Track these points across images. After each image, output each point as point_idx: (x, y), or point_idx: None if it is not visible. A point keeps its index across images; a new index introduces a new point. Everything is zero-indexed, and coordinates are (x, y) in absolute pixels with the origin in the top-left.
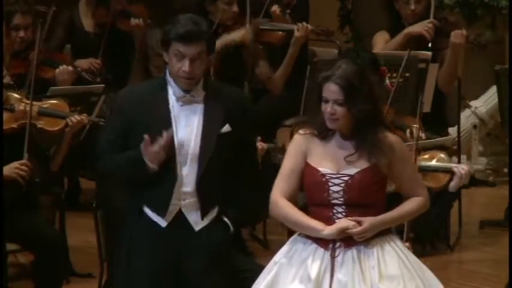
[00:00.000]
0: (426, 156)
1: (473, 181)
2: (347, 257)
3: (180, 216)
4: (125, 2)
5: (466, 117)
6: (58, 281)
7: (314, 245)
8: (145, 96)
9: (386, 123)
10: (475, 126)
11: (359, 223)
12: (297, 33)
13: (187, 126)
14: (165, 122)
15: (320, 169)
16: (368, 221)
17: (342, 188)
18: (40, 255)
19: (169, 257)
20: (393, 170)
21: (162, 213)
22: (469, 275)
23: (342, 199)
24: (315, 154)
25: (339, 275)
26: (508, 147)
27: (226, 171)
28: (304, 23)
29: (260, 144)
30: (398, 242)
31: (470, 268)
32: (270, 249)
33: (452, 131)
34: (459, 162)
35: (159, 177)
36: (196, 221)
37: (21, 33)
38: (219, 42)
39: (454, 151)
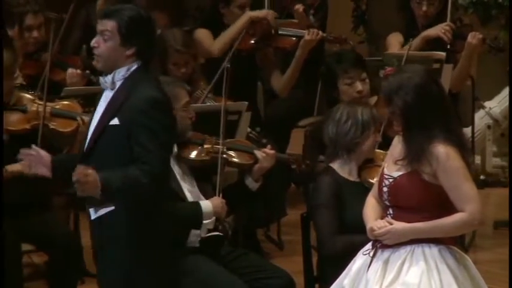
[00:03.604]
0: None
1: (487, 182)
2: (382, 257)
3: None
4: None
5: (480, 118)
6: (72, 281)
7: (371, 242)
8: None
9: (447, 136)
10: (489, 127)
11: None
12: (306, 37)
13: (99, 113)
14: (95, 106)
15: (385, 169)
16: (394, 225)
17: (387, 190)
18: (54, 255)
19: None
20: (439, 181)
21: None
22: (483, 275)
23: (387, 201)
24: (391, 154)
25: (368, 273)
26: (508, 147)
27: (118, 166)
28: (315, 30)
29: (269, 151)
30: (437, 254)
31: (484, 268)
32: (284, 250)
33: (467, 131)
34: (473, 162)
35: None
36: (91, 210)
37: (35, 34)
38: (244, 15)
39: None
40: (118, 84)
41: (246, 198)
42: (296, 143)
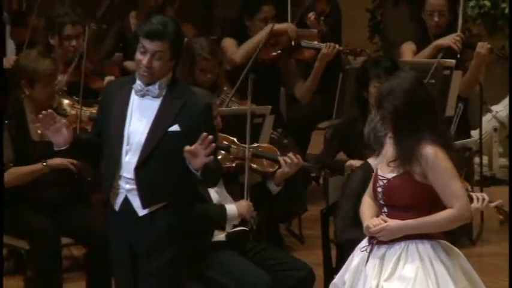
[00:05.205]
0: None
1: (494, 180)
2: (378, 253)
3: (127, 201)
4: None
5: (488, 121)
6: (108, 272)
7: (367, 238)
8: (117, 89)
9: (434, 138)
10: (495, 129)
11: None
12: (324, 50)
13: (140, 119)
14: (123, 113)
15: (378, 170)
16: (388, 222)
17: (382, 190)
18: (92, 248)
19: (122, 239)
20: (429, 180)
21: (107, 195)
22: (490, 268)
23: (382, 200)
24: (385, 155)
25: (366, 269)
26: (508, 147)
27: (176, 168)
28: (332, 44)
29: (296, 158)
30: (430, 249)
31: (490, 261)
32: (305, 244)
33: (475, 133)
34: (481, 162)
35: (108, 162)
36: (140, 207)
37: (73, 42)
38: (266, 27)
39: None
40: (163, 92)
41: (269, 198)
42: (317, 144)
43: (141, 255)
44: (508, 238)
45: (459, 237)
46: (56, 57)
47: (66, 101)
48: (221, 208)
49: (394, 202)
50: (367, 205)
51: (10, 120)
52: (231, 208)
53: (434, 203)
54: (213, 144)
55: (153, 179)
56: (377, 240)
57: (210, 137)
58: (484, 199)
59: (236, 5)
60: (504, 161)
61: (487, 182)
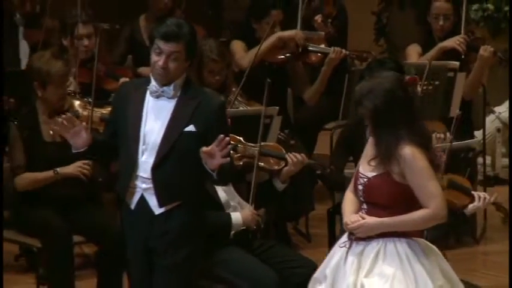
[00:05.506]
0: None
1: (497, 180)
2: (356, 249)
3: (143, 199)
4: None
5: (491, 122)
6: (119, 270)
7: (346, 234)
8: (132, 90)
9: (412, 138)
10: (498, 130)
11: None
12: (331, 55)
13: (156, 120)
14: (138, 114)
15: (360, 167)
16: (366, 220)
17: (362, 188)
18: (103, 246)
19: (137, 236)
20: (407, 180)
21: (123, 194)
22: (493, 265)
23: (362, 197)
24: (366, 154)
25: (346, 265)
26: (508, 147)
27: (191, 168)
28: (339, 49)
29: (301, 156)
30: (407, 248)
31: (494, 259)
32: (312, 242)
33: (478, 134)
34: (484, 163)
35: (124, 162)
36: (156, 205)
37: (85, 42)
38: (274, 36)
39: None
40: (178, 93)
41: (276, 196)
42: (323, 145)
43: (157, 251)
44: (508, 236)
45: (463, 236)
46: (69, 58)
47: (77, 102)
48: (226, 216)
49: (374, 200)
50: (348, 201)
51: (22, 121)
52: (236, 217)
53: (412, 202)
54: (229, 146)
55: (170, 179)
56: (355, 237)
57: (227, 138)
58: (485, 198)
59: (245, 8)
60: (507, 161)
61: (490, 182)
